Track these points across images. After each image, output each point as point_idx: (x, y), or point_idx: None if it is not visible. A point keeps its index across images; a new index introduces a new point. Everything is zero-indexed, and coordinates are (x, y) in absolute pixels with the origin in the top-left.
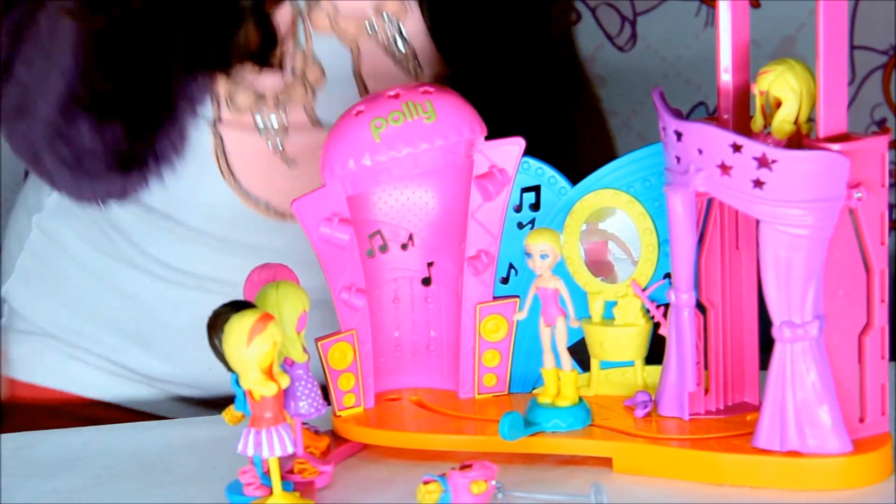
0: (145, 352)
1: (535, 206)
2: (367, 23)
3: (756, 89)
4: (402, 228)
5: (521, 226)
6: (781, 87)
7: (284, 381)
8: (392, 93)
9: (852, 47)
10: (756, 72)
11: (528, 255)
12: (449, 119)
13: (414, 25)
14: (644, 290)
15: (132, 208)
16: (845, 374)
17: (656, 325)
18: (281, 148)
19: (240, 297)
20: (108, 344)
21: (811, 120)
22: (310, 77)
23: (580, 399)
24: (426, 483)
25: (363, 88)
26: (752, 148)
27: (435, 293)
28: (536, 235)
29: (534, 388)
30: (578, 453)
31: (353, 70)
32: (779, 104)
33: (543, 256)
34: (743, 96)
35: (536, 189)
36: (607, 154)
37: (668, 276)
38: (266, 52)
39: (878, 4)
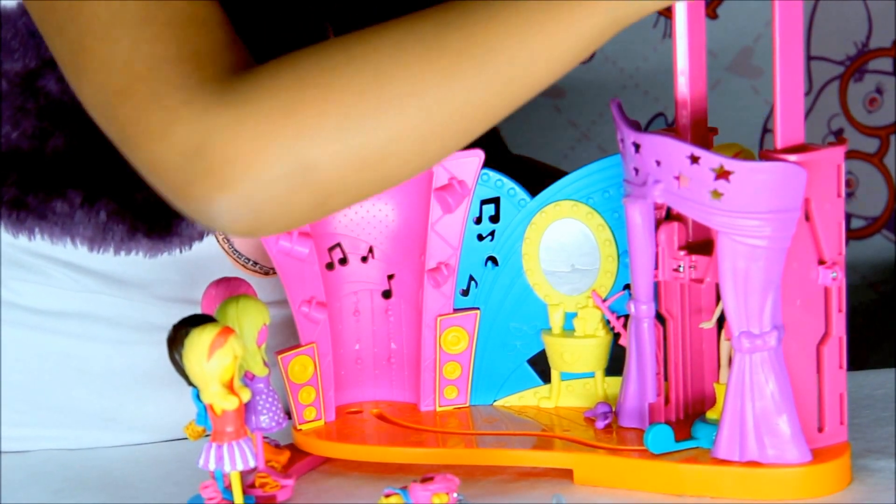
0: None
1: (495, 218)
2: None
3: None
4: (362, 241)
5: (480, 238)
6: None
7: (246, 395)
8: None
9: (809, 58)
10: (712, 84)
11: None
12: None
13: None
14: (604, 301)
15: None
16: (804, 384)
17: (616, 336)
18: None
19: None
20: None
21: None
22: None
23: None
24: (388, 496)
25: None
26: (709, 159)
27: (395, 305)
28: None
29: (495, 401)
30: (540, 465)
31: None
32: None
33: None
34: (700, 106)
35: (496, 201)
36: None
37: (627, 287)
38: None
39: (835, 16)
